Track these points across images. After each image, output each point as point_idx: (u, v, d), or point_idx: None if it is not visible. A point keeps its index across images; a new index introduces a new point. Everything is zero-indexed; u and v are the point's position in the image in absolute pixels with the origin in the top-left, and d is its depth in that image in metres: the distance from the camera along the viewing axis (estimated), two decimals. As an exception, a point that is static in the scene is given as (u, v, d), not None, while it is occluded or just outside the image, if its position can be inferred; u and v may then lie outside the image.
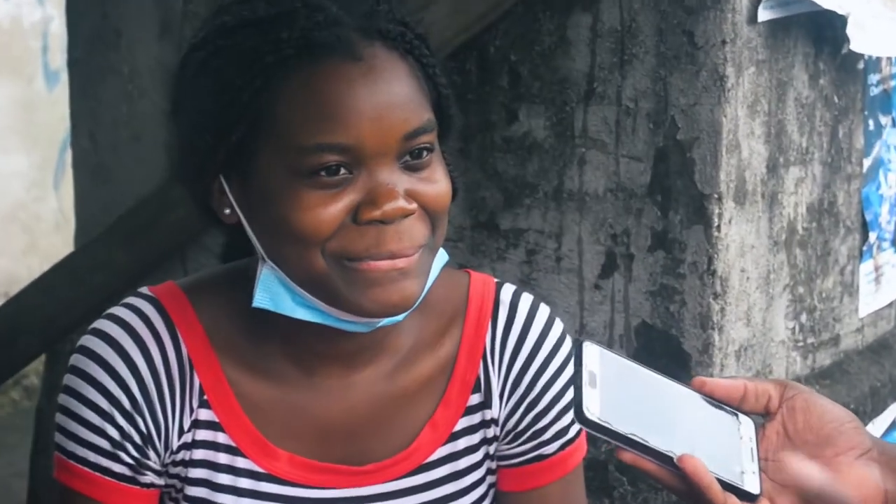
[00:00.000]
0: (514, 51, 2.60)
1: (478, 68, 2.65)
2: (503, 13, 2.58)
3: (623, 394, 1.32)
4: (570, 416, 1.66)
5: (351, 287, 1.48)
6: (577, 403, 1.28)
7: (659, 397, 1.34)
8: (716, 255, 2.42)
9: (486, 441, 1.66)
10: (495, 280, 1.71)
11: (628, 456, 1.30)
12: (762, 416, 1.37)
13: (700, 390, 1.36)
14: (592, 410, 1.28)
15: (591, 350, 1.32)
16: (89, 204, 3.31)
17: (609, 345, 2.43)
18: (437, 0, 2.52)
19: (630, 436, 1.29)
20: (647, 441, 1.29)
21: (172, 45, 3.06)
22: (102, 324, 1.60)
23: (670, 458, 1.30)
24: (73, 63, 3.33)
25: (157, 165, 3.08)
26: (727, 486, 1.30)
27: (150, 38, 3.12)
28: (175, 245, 3.01)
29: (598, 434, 1.29)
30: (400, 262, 1.48)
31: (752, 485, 1.32)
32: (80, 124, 3.32)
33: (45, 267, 3.33)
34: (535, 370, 1.65)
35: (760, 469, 1.33)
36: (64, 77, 3.39)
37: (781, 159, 2.54)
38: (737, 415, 1.36)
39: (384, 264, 1.47)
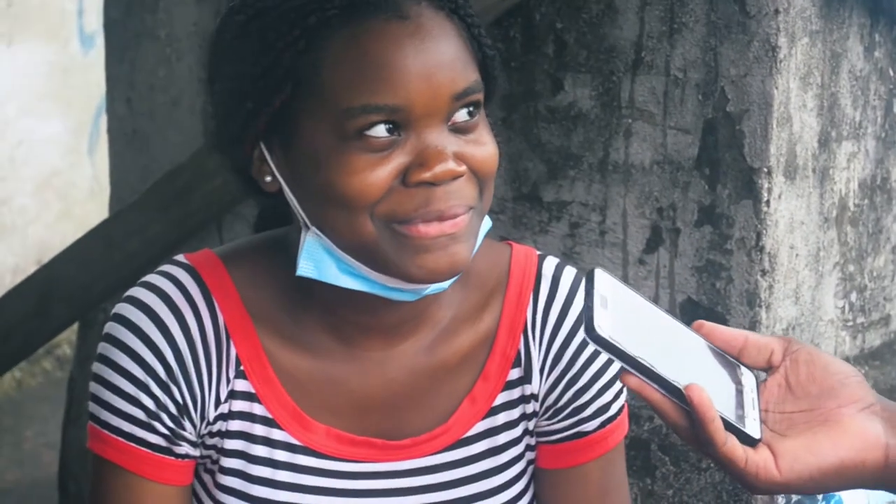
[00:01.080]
0: (560, 18, 2.59)
1: (522, 35, 2.64)
2: (550, -21, 2.59)
3: (632, 322, 1.33)
4: (611, 393, 1.66)
5: (400, 252, 1.47)
6: (587, 320, 1.29)
7: (666, 332, 1.36)
8: (764, 231, 2.41)
9: (525, 416, 1.66)
10: (538, 252, 1.70)
11: (634, 381, 1.31)
12: (763, 371, 1.40)
13: (698, 331, 1.38)
14: (604, 328, 1.29)
15: (603, 277, 1.34)
16: (125, 170, 3.34)
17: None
18: (481, -35, 2.54)
19: (639, 358, 1.30)
20: (654, 367, 1.30)
21: (211, 8, 3.07)
22: (137, 291, 1.59)
23: (677, 389, 1.31)
24: (109, 26, 3.35)
25: (195, 132, 3.13)
26: (729, 427, 1.32)
27: (188, 1, 3.13)
28: (212, 213, 3.03)
29: (608, 352, 1.30)
30: (448, 228, 1.47)
31: (753, 429, 1.33)
32: (115, 89, 3.34)
33: (79, 234, 3.36)
34: (576, 345, 1.64)
35: (761, 418, 1.35)
36: (99, 41, 3.41)
37: (834, 133, 2.53)
38: (738, 365, 1.38)
39: (433, 229, 1.46)
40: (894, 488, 1.36)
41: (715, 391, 1.32)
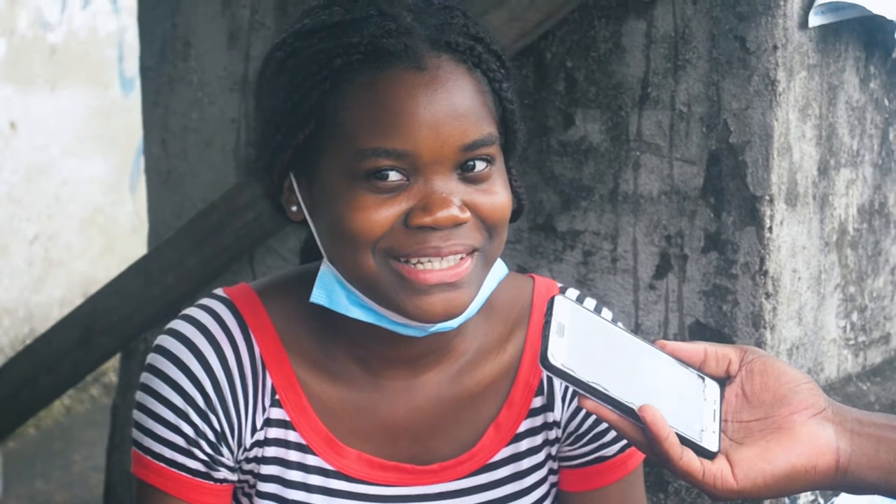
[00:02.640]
0: (570, 57, 2.61)
1: (535, 74, 2.65)
2: (560, 20, 2.59)
3: (591, 346, 1.36)
4: None
5: (398, 291, 1.51)
6: (542, 350, 1.32)
7: (627, 354, 1.38)
8: (768, 256, 2.41)
9: (547, 442, 1.69)
10: (559, 285, 1.73)
11: (590, 404, 1.35)
12: (724, 380, 1.42)
13: (663, 350, 1.41)
14: (557, 357, 1.33)
15: (562, 304, 1.37)
16: (161, 208, 3.34)
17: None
18: (495, 8, 2.54)
19: (593, 384, 1.33)
20: (608, 391, 1.34)
21: (240, 54, 3.08)
22: (178, 324, 1.64)
23: (631, 409, 1.34)
24: (144, 72, 3.35)
25: (226, 171, 3.11)
26: (686, 442, 1.34)
27: (219, 47, 3.13)
28: (243, 247, 3.04)
29: (563, 380, 1.34)
30: (449, 277, 1.50)
31: (710, 442, 1.35)
32: (151, 131, 3.34)
33: (122, 268, 3.37)
34: None
35: (721, 429, 1.37)
36: (139, 84, 3.42)
37: (832, 161, 2.52)
38: (703, 378, 1.40)
39: (433, 277, 1.49)
40: (846, 490, 1.38)
41: (674, 408, 1.34)
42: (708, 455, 1.35)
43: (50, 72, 5.75)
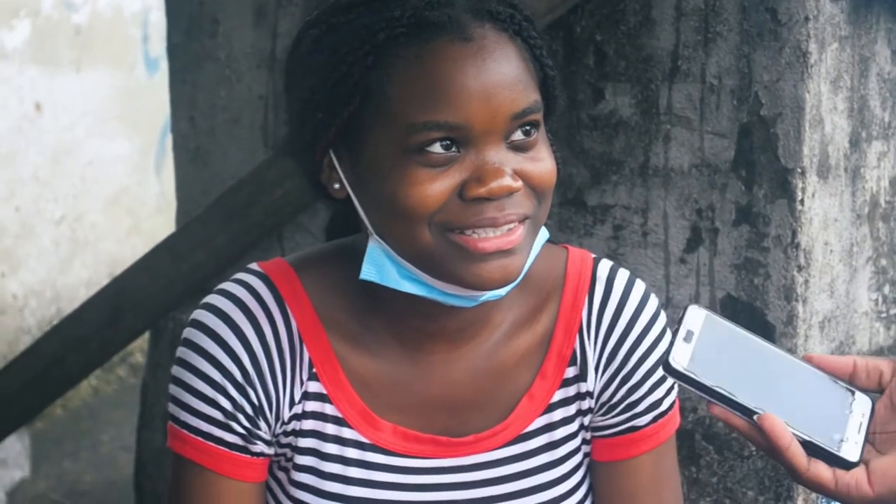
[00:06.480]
0: (599, 30, 2.61)
1: (564, 48, 2.65)
2: (589, -6, 2.58)
3: (720, 353, 1.36)
4: (663, 389, 1.70)
5: (455, 261, 1.50)
6: (664, 354, 1.34)
7: (760, 362, 1.38)
8: (799, 229, 2.41)
9: (580, 413, 1.69)
10: (593, 256, 1.73)
11: (718, 410, 1.35)
12: (877, 393, 1.41)
13: (809, 362, 1.40)
14: (679, 361, 1.34)
15: (695, 312, 1.38)
16: (189, 185, 3.35)
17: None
18: (524, -18, 2.56)
19: (716, 388, 1.34)
20: (734, 395, 1.34)
21: (267, 31, 3.09)
22: (214, 298, 1.63)
23: (753, 414, 1.34)
24: (172, 50, 3.36)
25: (254, 148, 3.12)
26: (820, 451, 1.34)
27: (246, 25, 3.14)
28: (272, 224, 3.05)
29: (684, 383, 1.34)
30: (505, 244, 1.49)
31: (850, 453, 1.35)
32: (179, 109, 3.35)
33: (148, 248, 3.37)
34: (630, 344, 1.67)
35: (867, 441, 1.36)
36: (163, 65, 3.41)
37: (864, 134, 2.52)
38: (852, 391, 1.39)
39: (490, 244, 1.49)
40: None
41: (810, 418, 1.34)
42: (845, 465, 1.35)
43: (74, 53, 5.78)
